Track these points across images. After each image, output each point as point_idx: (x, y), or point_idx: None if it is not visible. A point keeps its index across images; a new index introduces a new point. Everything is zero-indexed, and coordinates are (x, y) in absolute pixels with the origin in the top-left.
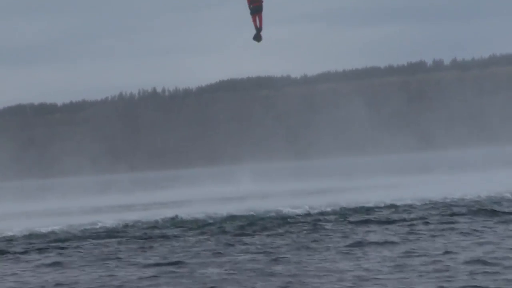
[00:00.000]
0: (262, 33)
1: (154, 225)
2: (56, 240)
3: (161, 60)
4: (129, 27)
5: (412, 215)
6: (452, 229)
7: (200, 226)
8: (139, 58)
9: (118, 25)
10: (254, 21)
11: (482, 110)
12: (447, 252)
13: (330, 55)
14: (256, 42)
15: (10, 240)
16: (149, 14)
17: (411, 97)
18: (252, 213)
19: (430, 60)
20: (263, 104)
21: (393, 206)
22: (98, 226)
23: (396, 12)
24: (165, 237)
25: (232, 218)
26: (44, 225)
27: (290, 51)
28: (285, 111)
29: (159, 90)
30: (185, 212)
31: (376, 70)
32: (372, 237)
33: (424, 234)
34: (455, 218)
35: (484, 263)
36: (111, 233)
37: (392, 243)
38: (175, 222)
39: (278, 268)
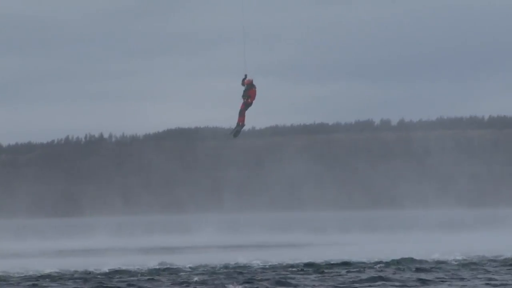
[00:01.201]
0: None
1: None
2: None
3: (109, 106)
4: (80, 72)
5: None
6: None
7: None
8: (87, 102)
9: (68, 69)
10: (241, 118)
11: (427, 170)
12: None
13: (278, 109)
14: (204, 94)
15: None
16: (100, 59)
17: (358, 155)
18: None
19: (378, 120)
20: (210, 155)
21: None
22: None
23: (346, 70)
24: None
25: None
26: None
27: (239, 103)
28: (232, 162)
29: (106, 135)
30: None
31: (324, 127)
32: None
33: None
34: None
35: None
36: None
37: None
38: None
39: None
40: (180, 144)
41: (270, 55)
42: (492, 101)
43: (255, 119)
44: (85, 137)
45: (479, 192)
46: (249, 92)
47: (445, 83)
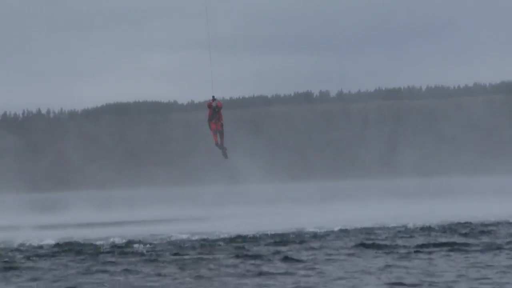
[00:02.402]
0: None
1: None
2: None
3: (47, 81)
4: (15, 46)
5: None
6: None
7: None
8: (25, 78)
9: (4, 43)
10: (214, 136)
11: (364, 141)
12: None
13: (217, 82)
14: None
15: None
16: (36, 33)
17: (296, 127)
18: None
19: (317, 91)
20: (149, 130)
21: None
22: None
23: (285, 42)
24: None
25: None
26: None
27: (177, 77)
28: (170, 137)
29: (43, 111)
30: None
31: (263, 99)
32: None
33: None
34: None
35: None
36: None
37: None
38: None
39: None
40: (119, 119)
41: (211, 28)
42: (429, 72)
43: (195, 92)
44: (23, 113)
45: (424, 160)
46: (218, 115)
47: (383, 54)
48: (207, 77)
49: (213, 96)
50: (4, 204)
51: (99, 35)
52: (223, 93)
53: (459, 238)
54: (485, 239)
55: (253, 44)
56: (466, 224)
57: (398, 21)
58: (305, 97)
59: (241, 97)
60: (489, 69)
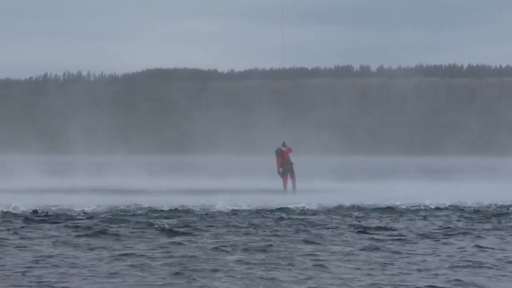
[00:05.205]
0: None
1: None
2: None
3: (88, 44)
4: (56, 8)
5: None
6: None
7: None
8: (66, 40)
9: (45, 6)
10: (284, 183)
11: (406, 118)
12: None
13: (258, 53)
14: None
15: None
16: None
17: (337, 100)
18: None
19: (358, 66)
20: (189, 96)
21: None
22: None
23: (327, 14)
24: None
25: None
26: None
27: (218, 46)
28: (211, 104)
29: (84, 74)
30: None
31: (304, 71)
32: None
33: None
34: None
35: None
36: None
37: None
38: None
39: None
40: (159, 84)
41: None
42: (471, 50)
43: (235, 61)
44: (64, 75)
45: (456, 141)
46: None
47: (426, 30)
48: (249, 47)
49: (283, 142)
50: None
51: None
52: (264, 64)
53: None
54: None
55: (294, 15)
56: None
57: None
58: (346, 70)
59: (281, 68)
60: None
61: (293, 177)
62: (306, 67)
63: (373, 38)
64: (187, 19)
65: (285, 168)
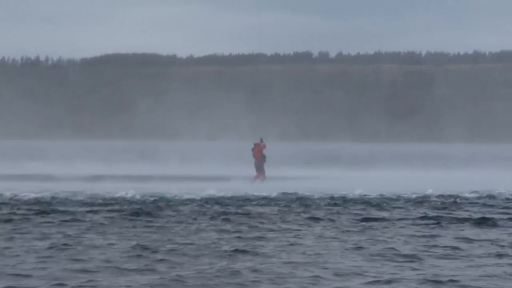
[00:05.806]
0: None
1: None
2: None
3: (46, 29)
4: None
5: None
6: None
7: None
8: (23, 25)
9: None
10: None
11: (361, 104)
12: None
13: (217, 38)
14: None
15: None
16: None
17: (296, 86)
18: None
19: (316, 52)
20: (147, 82)
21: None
22: None
23: (286, 0)
24: None
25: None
26: None
27: (177, 31)
28: (168, 90)
29: (42, 58)
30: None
31: (262, 57)
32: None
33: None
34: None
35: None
36: None
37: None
38: None
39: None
40: (118, 70)
41: None
42: (430, 36)
43: (194, 46)
44: (21, 59)
45: (422, 126)
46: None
47: (384, 17)
48: (207, 32)
49: (261, 139)
50: None
51: None
52: (222, 49)
53: None
54: None
55: (257, 1)
56: None
57: None
58: (305, 57)
59: (240, 54)
60: (489, 37)
61: (258, 173)
62: (265, 53)
63: (333, 25)
64: (148, 4)
65: (255, 163)
